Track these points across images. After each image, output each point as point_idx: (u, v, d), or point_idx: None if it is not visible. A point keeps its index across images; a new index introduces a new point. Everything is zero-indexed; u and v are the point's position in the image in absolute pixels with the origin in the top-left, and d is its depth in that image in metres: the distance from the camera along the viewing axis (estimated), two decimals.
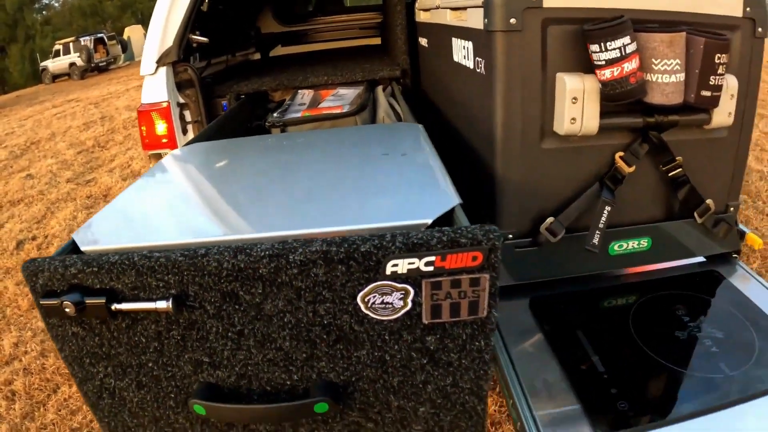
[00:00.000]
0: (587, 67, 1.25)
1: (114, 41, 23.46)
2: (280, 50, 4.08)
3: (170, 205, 1.23)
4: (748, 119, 1.41)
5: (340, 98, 2.09)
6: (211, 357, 0.96)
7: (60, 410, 2.45)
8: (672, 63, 1.21)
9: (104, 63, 22.42)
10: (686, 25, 1.26)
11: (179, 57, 2.09)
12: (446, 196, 1.02)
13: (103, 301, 0.89)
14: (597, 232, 1.35)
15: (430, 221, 0.93)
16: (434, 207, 0.97)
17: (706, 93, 1.24)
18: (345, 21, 4.00)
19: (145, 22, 29.25)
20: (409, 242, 0.83)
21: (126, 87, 14.65)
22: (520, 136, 1.32)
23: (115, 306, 0.89)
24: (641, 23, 1.24)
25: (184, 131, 2.18)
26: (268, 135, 1.86)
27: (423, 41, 2.01)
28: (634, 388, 1.14)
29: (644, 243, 1.48)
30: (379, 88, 2.25)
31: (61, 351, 0.97)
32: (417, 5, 1.92)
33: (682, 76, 1.23)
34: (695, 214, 1.45)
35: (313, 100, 2.15)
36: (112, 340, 0.96)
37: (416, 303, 0.88)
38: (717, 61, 1.21)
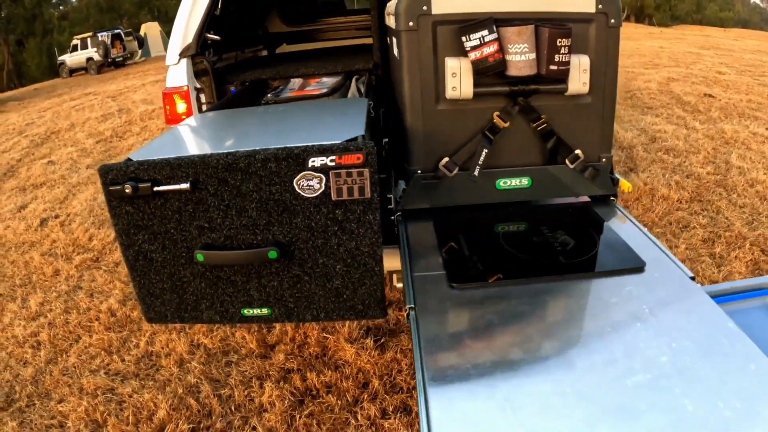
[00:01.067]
0: (463, 52, 1.75)
1: (131, 37, 24.07)
2: (285, 48, 4.48)
3: (187, 139, 1.85)
4: (609, 89, 1.88)
5: (322, 84, 2.60)
6: (209, 223, 1.48)
7: (81, 356, 2.83)
8: (521, 47, 1.70)
9: (121, 58, 23.03)
10: (553, 20, 1.73)
11: (197, 51, 2.58)
12: (356, 130, 1.58)
13: (149, 184, 1.42)
14: (477, 167, 1.86)
15: (339, 142, 1.45)
16: (346, 135, 1.53)
17: (553, 67, 1.72)
18: (344, 22, 4.40)
19: (161, 19, 29.91)
20: (321, 148, 1.39)
21: (142, 82, 15.15)
22: (421, 100, 1.83)
23: (155, 188, 1.42)
24: (510, 21, 1.72)
25: (200, 110, 2.61)
26: (256, 107, 2.38)
27: (388, 40, 2.45)
28: (484, 263, 1.63)
29: (525, 181, 1.94)
30: (354, 78, 2.75)
31: (115, 225, 1.50)
32: (386, 11, 2.35)
33: (531, 56, 1.71)
34: (566, 161, 1.90)
35: (301, 86, 2.65)
36: (149, 215, 1.47)
37: (327, 186, 1.42)
38: (559, 44, 1.69)
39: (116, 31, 23.66)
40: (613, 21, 1.80)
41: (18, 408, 2.51)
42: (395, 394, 2.34)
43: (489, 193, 1.93)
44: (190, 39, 2.52)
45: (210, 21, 2.59)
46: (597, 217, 1.90)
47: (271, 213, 1.45)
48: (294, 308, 1.59)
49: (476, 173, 1.85)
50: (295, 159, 1.39)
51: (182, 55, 2.54)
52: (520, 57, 1.70)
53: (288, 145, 1.41)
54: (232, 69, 2.96)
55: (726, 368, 1.14)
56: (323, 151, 1.39)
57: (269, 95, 2.52)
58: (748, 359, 1.16)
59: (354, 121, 1.72)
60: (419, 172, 1.90)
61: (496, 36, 1.68)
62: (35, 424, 2.40)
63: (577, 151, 1.89)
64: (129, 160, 1.46)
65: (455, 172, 1.86)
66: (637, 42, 15.29)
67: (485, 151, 1.83)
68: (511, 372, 1.18)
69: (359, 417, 2.22)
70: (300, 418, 2.23)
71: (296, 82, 2.71)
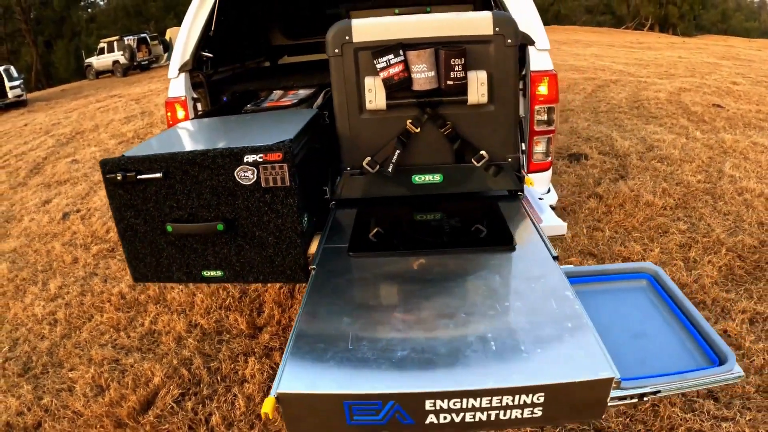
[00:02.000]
0: (377, 72, 2.14)
1: (156, 41, 24.88)
2: (286, 59, 4.85)
3: (168, 140, 2.31)
4: (509, 98, 2.22)
5: (296, 96, 3.00)
6: (176, 203, 1.91)
7: (92, 332, 3.17)
8: (422, 66, 2.09)
9: (146, 62, 23.82)
10: (458, 43, 2.11)
11: (193, 67, 3.02)
12: (287, 135, 1.96)
13: (134, 174, 1.87)
14: (391, 165, 2.21)
15: (269, 143, 1.86)
16: (278, 138, 1.91)
17: (450, 82, 2.09)
18: None
19: None
20: (253, 148, 1.83)
21: (166, 85, 15.66)
22: (347, 111, 2.23)
23: (138, 176, 1.87)
24: (417, 45, 2.10)
25: (196, 117, 2.94)
26: (230, 116, 2.82)
27: None
28: (384, 238, 2.03)
29: (437, 177, 2.29)
30: (324, 90, 3.07)
31: (111, 205, 1.95)
32: None
33: (431, 74, 2.09)
34: (473, 160, 2.23)
35: (280, 97, 3.05)
36: (134, 196, 1.91)
37: (258, 177, 1.84)
38: (453, 63, 2.06)
39: (142, 35, 24.49)
40: (509, 41, 2.15)
41: (33, 375, 2.88)
42: None
43: (407, 187, 2.30)
44: (187, 57, 2.96)
45: (204, 42, 3.02)
46: (495, 208, 2.23)
47: (220, 196, 1.89)
48: (240, 271, 2.00)
49: (390, 170, 2.22)
50: (235, 156, 1.84)
51: (181, 70, 2.99)
52: (422, 75, 2.10)
53: (231, 146, 1.87)
54: (226, 81, 3.38)
55: (545, 323, 1.49)
56: (255, 150, 1.83)
57: (249, 105, 2.93)
58: (567, 319, 1.49)
59: (290, 128, 2.12)
60: (348, 168, 2.30)
61: (402, 58, 2.08)
62: (48, 388, 2.75)
63: (482, 152, 2.23)
64: (123, 156, 1.93)
65: (377, 169, 2.24)
66: (657, 52, 15.37)
67: (398, 152, 2.21)
68: (366, 321, 1.59)
69: None
70: None
71: (278, 93, 3.11)
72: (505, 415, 1.30)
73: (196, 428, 2.37)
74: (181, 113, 2.95)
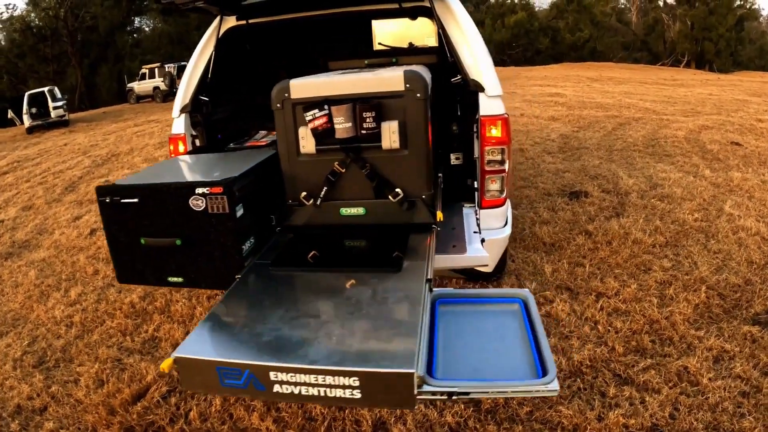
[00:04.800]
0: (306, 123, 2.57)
1: None
2: None
3: (155, 172, 2.79)
4: (419, 145, 2.56)
5: (271, 138, 3.46)
6: (149, 222, 2.36)
7: (102, 335, 3.60)
8: (340, 118, 2.51)
9: None
10: (376, 98, 2.50)
11: (192, 108, 3.53)
12: (236, 172, 2.45)
13: (119, 198, 2.36)
14: (319, 199, 2.65)
15: (217, 179, 2.31)
16: (229, 174, 2.39)
17: (364, 132, 2.51)
18: None
19: None
20: (203, 183, 2.28)
21: None
22: (287, 154, 2.68)
23: (122, 200, 2.35)
24: (341, 101, 2.51)
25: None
26: (210, 153, 3.29)
27: None
28: (301, 257, 2.53)
29: (361, 210, 2.68)
30: None
31: (102, 221, 2.44)
32: None
33: (348, 124, 2.50)
34: (390, 197, 2.59)
35: (262, 137, 3.56)
36: (119, 215, 2.38)
37: (207, 205, 2.28)
38: (365, 115, 2.49)
39: (182, 63, 25.65)
40: (419, 95, 2.51)
41: (46, 367, 3.31)
42: None
43: (336, 218, 2.71)
44: (187, 100, 3.49)
45: (203, 87, 3.54)
46: (404, 238, 2.59)
47: (179, 218, 2.33)
48: (194, 278, 2.45)
49: (318, 203, 2.66)
50: (190, 188, 2.30)
51: (182, 111, 3.52)
52: (341, 125, 2.52)
53: (188, 180, 2.44)
54: (223, 120, 3.87)
55: (385, 327, 1.91)
56: (204, 184, 2.28)
57: (232, 144, 3.46)
58: (405, 325, 1.88)
59: (242, 167, 2.60)
60: (289, 201, 2.73)
61: (326, 112, 2.52)
62: (57, 379, 3.16)
63: (398, 190, 2.61)
64: (114, 183, 2.48)
65: (311, 202, 2.67)
66: (689, 89, 15.39)
67: (325, 188, 2.64)
68: (257, 315, 2.09)
69: None
70: None
71: (262, 133, 3.64)
72: (331, 392, 1.66)
73: (176, 420, 2.71)
74: (181, 147, 3.48)
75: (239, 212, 2.35)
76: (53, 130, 18.16)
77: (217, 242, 2.33)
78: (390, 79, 2.52)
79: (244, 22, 3.63)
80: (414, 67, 2.72)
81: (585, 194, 5.70)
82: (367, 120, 2.49)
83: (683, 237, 4.50)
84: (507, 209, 3.34)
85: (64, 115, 19.53)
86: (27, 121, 18.83)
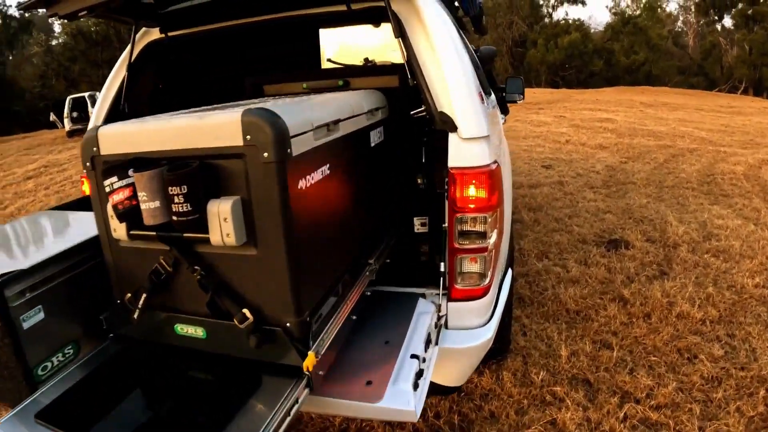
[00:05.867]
0: None
1: None
2: None
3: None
4: (275, 239, 1.54)
5: None
6: None
7: None
8: (143, 195, 1.56)
9: None
10: (203, 158, 1.55)
11: None
12: (23, 265, 1.74)
13: None
14: (138, 308, 1.75)
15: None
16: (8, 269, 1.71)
17: (175, 218, 1.54)
18: None
19: None
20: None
21: None
22: (107, 237, 1.81)
23: None
24: (158, 161, 1.58)
25: None
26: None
27: None
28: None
29: (200, 332, 1.76)
30: None
31: None
32: None
33: (154, 204, 1.55)
34: (235, 320, 1.63)
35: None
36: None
37: None
38: (172, 192, 1.51)
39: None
40: (266, 155, 1.48)
41: None
42: None
43: (171, 337, 1.81)
44: None
45: (114, 115, 2.80)
46: (250, 386, 1.68)
47: None
48: None
49: (135, 315, 1.76)
50: None
51: None
52: (146, 205, 1.56)
53: None
54: None
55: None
56: None
57: None
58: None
59: (49, 250, 1.89)
60: (118, 302, 1.85)
61: (129, 182, 1.59)
62: None
63: (245, 311, 1.63)
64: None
65: (137, 308, 1.77)
66: (747, 117, 14.17)
67: (144, 294, 1.74)
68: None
69: None
70: None
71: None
72: None
73: None
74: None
75: (32, 320, 1.67)
76: None
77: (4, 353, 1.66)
78: (219, 128, 1.54)
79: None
80: (295, 102, 1.82)
81: (626, 244, 4.87)
82: (177, 200, 1.52)
83: (740, 310, 3.68)
84: (492, 299, 2.34)
85: None
86: (67, 125, 18.86)
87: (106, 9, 2.31)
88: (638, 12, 40.59)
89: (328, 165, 1.79)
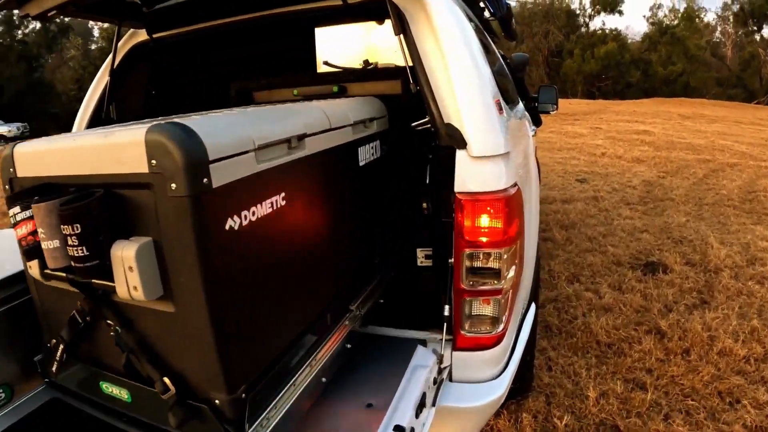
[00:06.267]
0: None
1: None
2: None
3: None
4: (194, 292, 1.19)
5: None
6: None
7: None
8: (43, 230, 1.28)
9: None
10: (106, 186, 1.25)
11: None
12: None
13: None
14: (56, 360, 1.51)
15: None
16: None
17: (74, 263, 1.24)
18: None
19: None
20: None
21: None
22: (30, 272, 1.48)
23: None
24: (67, 189, 1.31)
25: None
26: None
27: None
28: None
29: (125, 395, 1.47)
30: None
31: None
32: None
33: (53, 244, 1.27)
34: (156, 387, 1.31)
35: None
36: None
37: None
38: (65, 231, 1.22)
39: None
40: (174, 186, 1.13)
41: None
42: None
43: (98, 394, 1.54)
44: None
45: (96, 122, 2.60)
46: None
47: None
48: None
49: (54, 368, 1.52)
50: None
51: None
52: (46, 244, 1.28)
53: None
54: None
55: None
56: None
57: None
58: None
59: None
60: (48, 345, 1.58)
61: (30, 214, 1.31)
62: None
63: (165, 379, 1.30)
64: None
65: (56, 360, 1.52)
66: None
67: (61, 346, 1.49)
68: None
69: None
70: None
71: None
72: None
73: None
74: None
75: None
76: None
77: None
78: (122, 150, 1.21)
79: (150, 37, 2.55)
80: (229, 115, 1.43)
81: (663, 268, 4.57)
82: (71, 242, 1.22)
83: None
84: (507, 346, 1.97)
85: None
86: None
87: (82, 9, 2.09)
88: (676, 22, 39.64)
89: (283, 194, 1.42)
